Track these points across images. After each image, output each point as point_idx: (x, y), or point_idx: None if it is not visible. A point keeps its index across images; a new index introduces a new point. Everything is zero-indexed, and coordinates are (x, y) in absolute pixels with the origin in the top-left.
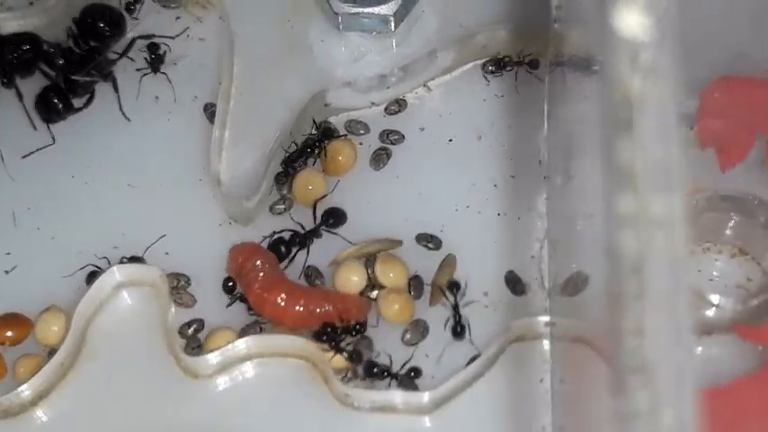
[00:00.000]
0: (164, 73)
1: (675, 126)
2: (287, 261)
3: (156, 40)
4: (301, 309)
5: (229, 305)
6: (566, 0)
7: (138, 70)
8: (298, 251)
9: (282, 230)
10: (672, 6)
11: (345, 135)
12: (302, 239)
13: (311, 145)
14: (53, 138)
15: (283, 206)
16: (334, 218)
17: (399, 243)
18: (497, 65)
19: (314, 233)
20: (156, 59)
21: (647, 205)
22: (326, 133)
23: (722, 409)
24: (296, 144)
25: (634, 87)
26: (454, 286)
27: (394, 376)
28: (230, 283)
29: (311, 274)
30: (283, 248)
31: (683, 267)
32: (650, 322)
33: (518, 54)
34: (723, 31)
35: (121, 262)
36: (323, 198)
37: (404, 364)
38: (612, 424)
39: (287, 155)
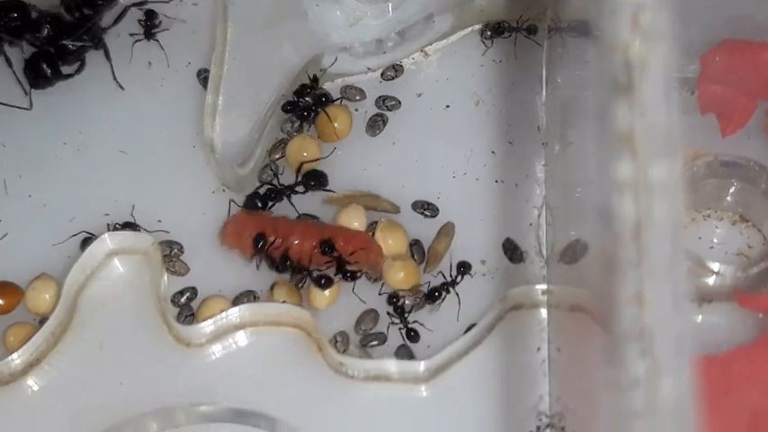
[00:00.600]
0: (156, 40)
1: (675, 90)
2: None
3: (149, 6)
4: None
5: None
6: None
7: (131, 35)
8: (273, 205)
9: (261, 185)
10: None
11: (341, 99)
12: (278, 193)
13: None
14: (31, 103)
15: (272, 173)
16: (315, 179)
17: (396, 209)
18: (495, 30)
19: (290, 188)
20: (150, 26)
21: (646, 171)
22: (322, 99)
23: (722, 377)
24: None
25: (633, 51)
26: (464, 266)
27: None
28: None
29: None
30: (258, 202)
31: (682, 234)
32: (648, 289)
33: (516, 19)
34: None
35: (114, 229)
36: (313, 161)
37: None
38: (611, 392)
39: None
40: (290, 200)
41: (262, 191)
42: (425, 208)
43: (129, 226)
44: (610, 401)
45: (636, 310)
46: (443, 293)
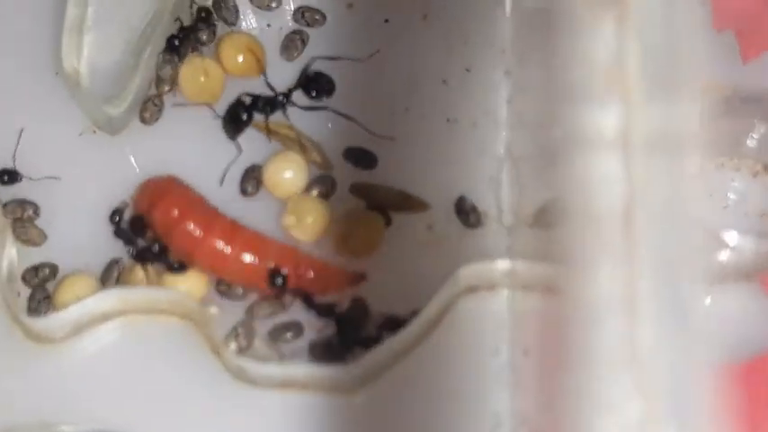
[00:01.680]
0: None
1: None
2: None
3: None
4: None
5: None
6: None
7: None
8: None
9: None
10: None
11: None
12: (269, 103)
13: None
14: None
15: (157, 109)
16: (319, 84)
17: (328, 165)
18: None
19: (287, 95)
20: None
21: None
22: (205, 18)
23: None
24: (180, 21)
25: None
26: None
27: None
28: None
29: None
30: (243, 114)
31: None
32: (641, 294)
33: None
34: None
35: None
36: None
37: None
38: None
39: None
40: (284, 113)
41: (246, 100)
42: (360, 157)
43: (9, 174)
44: None
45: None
46: None
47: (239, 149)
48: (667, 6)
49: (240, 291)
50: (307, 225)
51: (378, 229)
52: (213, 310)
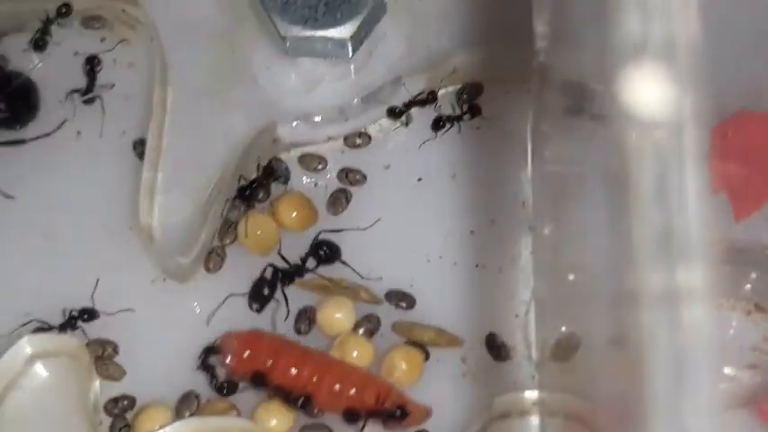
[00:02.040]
0: (99, 97)
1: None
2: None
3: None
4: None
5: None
6: (554, 32)
7: (73, 92)
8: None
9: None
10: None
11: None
12: (288, 274)
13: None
14: None
15: (220, 259)
16: (328, 249)
17: (377, 300)
18: (436, 125)
19: (302, 265)
20: (92, 75)
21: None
22: (269, 173)
23: None
24: (245, 179)
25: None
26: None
27: None
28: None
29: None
30: (266, 290)
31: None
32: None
33: (455, 106)
34: (736, 64)
35: (70, 315)
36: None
37: None
38: None
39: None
40: (300, 276)
41: (267, 274)
42: (401, 299)
43: (88, 313)
44: None
45: None
46: None
47: (286, 301)
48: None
49: None
50: (352, 360)
51: (418, 363)
52: None
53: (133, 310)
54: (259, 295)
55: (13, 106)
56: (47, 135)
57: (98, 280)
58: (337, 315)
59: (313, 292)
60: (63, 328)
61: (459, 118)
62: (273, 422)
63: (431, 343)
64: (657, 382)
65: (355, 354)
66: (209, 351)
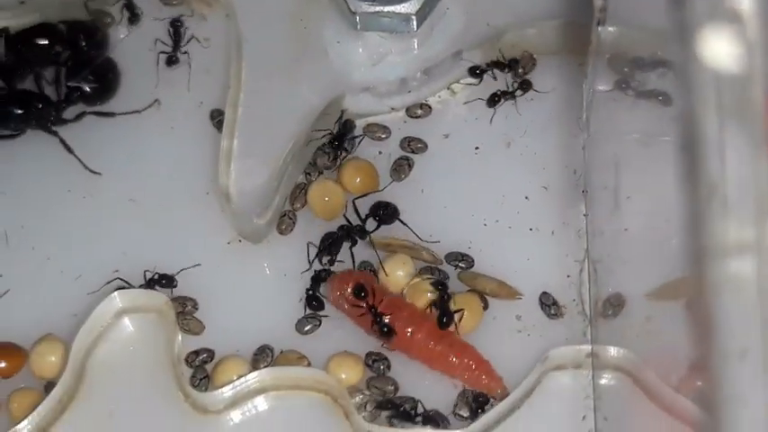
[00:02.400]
0: (185, 52)
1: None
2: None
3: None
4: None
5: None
6: (616, 3)
7: (162, 53)
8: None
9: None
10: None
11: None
12: (350, 233)
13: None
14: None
15: (292, 222)
16: (385, 211)
17: (437, 260)
18: (492, 101)
19: (361, 226)
20: (177, 38)
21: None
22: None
23: None
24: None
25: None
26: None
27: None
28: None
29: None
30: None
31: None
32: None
33: (509, 81)
34: None
35: (151, 279)
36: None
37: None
38: None
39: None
40: (369, 238)
41: (338, 233)
42: (460, 260)
43: (167, 279)
44: None
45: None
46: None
47: (352, 258)
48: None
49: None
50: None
51: (478, 310)
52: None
53: (200, 264)
54: (329, 250)
55: (95, 84)
56: (137, 112)
57: (181, 269)
58: (399, 272)
59: (377, 251)
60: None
61: (512, 94)
62: (343, 375)
63: (492, 294)
64: (723, 336)
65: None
66: (316, 279)
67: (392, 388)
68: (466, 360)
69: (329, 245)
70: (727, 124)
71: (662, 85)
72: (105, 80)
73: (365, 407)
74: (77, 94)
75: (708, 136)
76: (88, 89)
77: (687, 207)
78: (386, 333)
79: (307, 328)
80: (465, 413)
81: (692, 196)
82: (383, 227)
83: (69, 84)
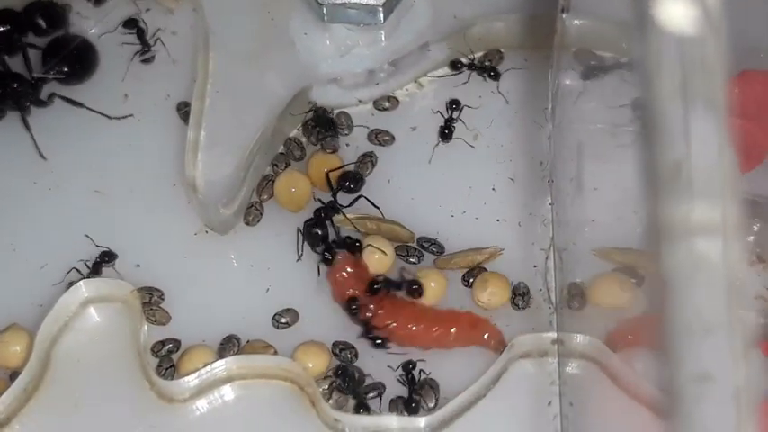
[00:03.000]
0: (157, 41)
1: (727, 126)
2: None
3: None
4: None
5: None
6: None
7: (136, 53)
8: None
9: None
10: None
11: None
12: (327, 210)
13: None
14: None
15: (259, 214)
16: (351, 181)
17: (411, 236)
18: (453, 65)
19: (334, 201)
20: (141, 35)
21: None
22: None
23: None
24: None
25: (680, 85)
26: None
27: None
28: (354, 307)
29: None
30: (318, 230)
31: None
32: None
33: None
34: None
35: (95, 265)
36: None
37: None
38: None
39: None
40: (341, 212)
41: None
42: (431, 243)
43: (108, 255)
44: None
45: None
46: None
47: (336, 232)
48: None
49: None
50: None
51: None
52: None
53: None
54: (314, 236)
55: (75, 65)
56: (108, 117)
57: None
58: (376, 255)
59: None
60: (92, 274)
61: (472, 65)
62: (310, 364)
63: (474, 263)
64: (679, 314)
65: (432, 285)
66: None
67: (358, 376)
68: (464, 329)
69: (312, 227)
70: (691, 101)
71: (626, 74)
72: (83, 60)
73: (331, 395)
74: (53, 73)
75: (670, 110)
76: (66, 68)
77: (651, 187)
78: (379, 345)
79: (283, 321)
80: (431, 403)
81: (656, 175)
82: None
83: (48, 65)
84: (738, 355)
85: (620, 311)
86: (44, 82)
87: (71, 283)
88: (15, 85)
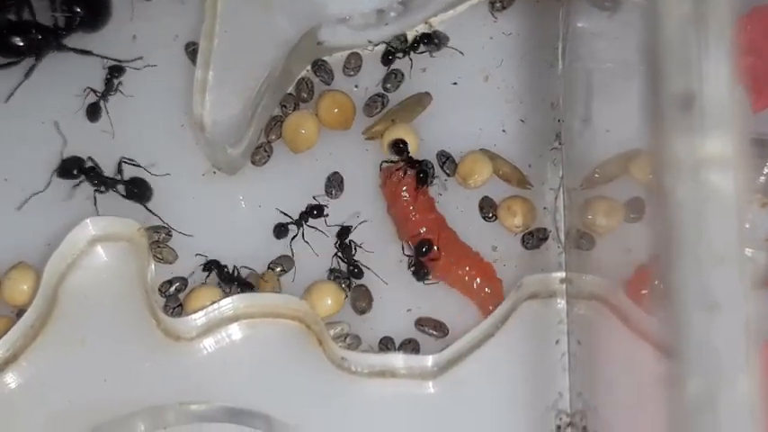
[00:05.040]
0: None
1: (732, 57)
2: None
3: None
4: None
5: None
6: None
7: None
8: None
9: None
10: None
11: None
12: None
13: None
14: None
15: (267, 155)
16: (139, 188)
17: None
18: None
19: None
20: None
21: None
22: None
23: None
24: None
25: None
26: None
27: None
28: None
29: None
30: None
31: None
32: (714, 279)
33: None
34: None
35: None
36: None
37: None
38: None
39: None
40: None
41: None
42: (448, 157)
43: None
44: (654, 396)
45: (699, 298)
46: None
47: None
48: (723, 65)
49: (434, 332)
50: None
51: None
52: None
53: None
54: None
55: (89, 10)
56: (118, 62)
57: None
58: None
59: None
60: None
61: (407, 51)
62: (329, 301)
63: (504, 177)
64: (685, 241)
65: None
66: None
67: (365, 305)
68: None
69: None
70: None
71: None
72: (99, 6)
73: (345, 339)
74: (76, 22)
75: (681, 43)
76: (83, 14)
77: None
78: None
79: (279, 270)
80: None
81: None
82: None
83: (63, 11)
84: (748, 287)
85: (629, 250)
86: (67, 31)
87: None
88: (40, 37)
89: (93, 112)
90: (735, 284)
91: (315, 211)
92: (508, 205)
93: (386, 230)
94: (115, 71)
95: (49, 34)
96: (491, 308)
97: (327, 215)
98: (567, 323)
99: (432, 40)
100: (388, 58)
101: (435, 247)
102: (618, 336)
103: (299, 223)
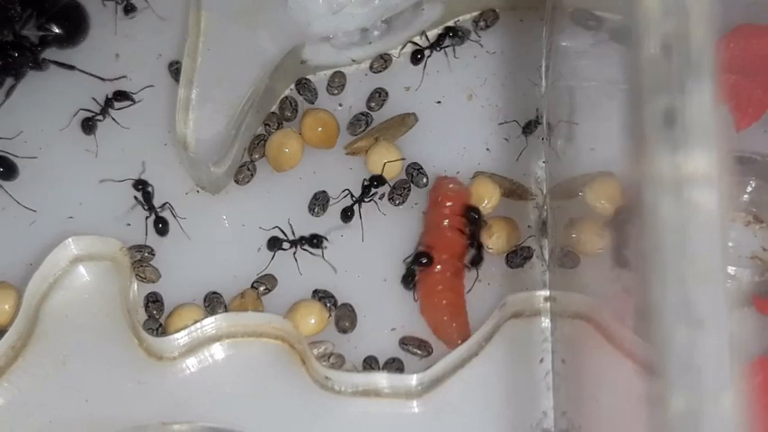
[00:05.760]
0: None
1: (714, 77)
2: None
3: None
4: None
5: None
6: None
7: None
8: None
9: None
10: None
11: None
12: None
13: None
14: None
15: (250, 173)
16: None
17: (415, 119)
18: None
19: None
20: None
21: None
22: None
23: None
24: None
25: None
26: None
27: None
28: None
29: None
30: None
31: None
32: (695, 293)
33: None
34: None
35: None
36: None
37: None
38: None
39: None
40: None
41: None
42: (418, 169)
43: (142, 184)
44: (638, 415)
45: (682, 315)
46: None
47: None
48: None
49: (418, 351)
50: None
51: None
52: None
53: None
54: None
55: (65, 26)
56: (101, 79)
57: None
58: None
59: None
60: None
61: (433, 46)
62: (312, 320)
63: (505, 194)
64: (665, 255)
65: None
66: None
67: (348, 324)
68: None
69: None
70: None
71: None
72: (74, 22)
73: (328, 358)
74: (50, 38)
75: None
76: (59, 31)
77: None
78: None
79: (262, 288)
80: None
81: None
82: None
83: (40, 28)
84: (731, 305)
85: (612, 269)
86: (44, 48)
87: None
88: (16, 55)
89: (89, 127)
90: (718, 302)
91: (315, 240)
92: (489, 225)
93: (370, 249)
94: (119, 95)
95: (25, 51)
96: (459, 342)
97: (326, 248)
98: (551, 342)
99: (456, 33)
100: (417, 57)
101: (438, 267)
102: (602, 354)
103: (294, 244)
